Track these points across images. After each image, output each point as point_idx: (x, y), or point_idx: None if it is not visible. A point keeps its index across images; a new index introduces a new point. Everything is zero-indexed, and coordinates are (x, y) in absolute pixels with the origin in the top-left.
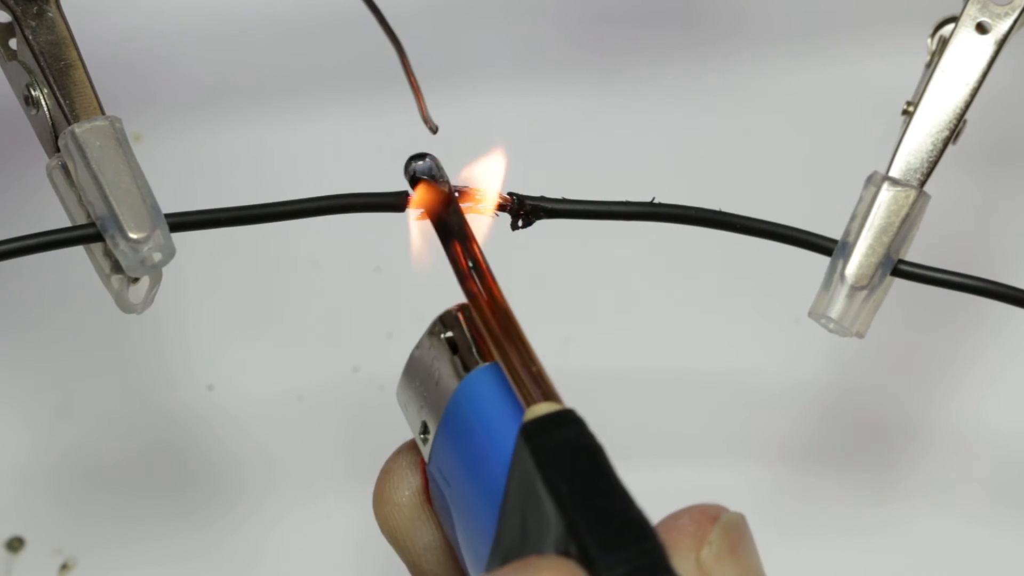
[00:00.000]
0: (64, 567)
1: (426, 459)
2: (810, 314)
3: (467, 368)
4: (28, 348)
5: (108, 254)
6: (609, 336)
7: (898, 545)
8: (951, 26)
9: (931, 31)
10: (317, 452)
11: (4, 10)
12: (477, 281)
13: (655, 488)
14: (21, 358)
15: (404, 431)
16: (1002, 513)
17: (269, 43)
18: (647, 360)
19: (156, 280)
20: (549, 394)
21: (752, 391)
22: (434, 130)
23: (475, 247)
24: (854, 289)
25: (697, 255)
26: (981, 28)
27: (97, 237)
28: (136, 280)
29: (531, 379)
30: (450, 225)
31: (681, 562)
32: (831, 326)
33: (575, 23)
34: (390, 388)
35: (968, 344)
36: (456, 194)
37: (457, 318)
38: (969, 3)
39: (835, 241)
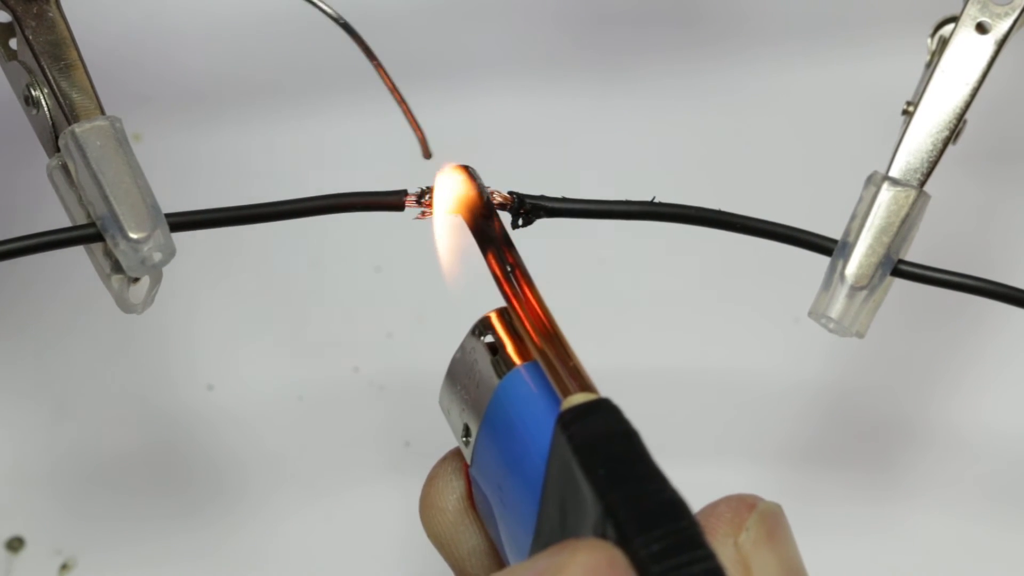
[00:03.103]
0: (64, 567)
1: (468, 461)
2: (810, 314)
3: (507, 367)
4: (28, 348)
5: (108, 254)
6: (608, 335)
7: (898, 545)
8: (951, 26)
9: (931, 31)
10: (317, 452)
11: (4, 10)
12: (516, 283)
13: None
14: (21, 358)
15: (404, 431)
16: (1002, 513)
17: (269, 43)
18: (646, 359)
19: (156, 280)
20: (586, 386)
21: (752, 391)
22: (428, 156)
23: (513, 250)
24: (854, 289)
25: (697, 255)
26: (981, 28)
27: (97, 237)
28: (136, 280)
29: (568, 373)
30: (489, 230)
31: (719, 547)
32: (831, 326)
33: (575, 23)
34: (390, 388)
35: (968, 344)
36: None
37: (496, 321)
38: (969, 3)
39: (835, 241)
